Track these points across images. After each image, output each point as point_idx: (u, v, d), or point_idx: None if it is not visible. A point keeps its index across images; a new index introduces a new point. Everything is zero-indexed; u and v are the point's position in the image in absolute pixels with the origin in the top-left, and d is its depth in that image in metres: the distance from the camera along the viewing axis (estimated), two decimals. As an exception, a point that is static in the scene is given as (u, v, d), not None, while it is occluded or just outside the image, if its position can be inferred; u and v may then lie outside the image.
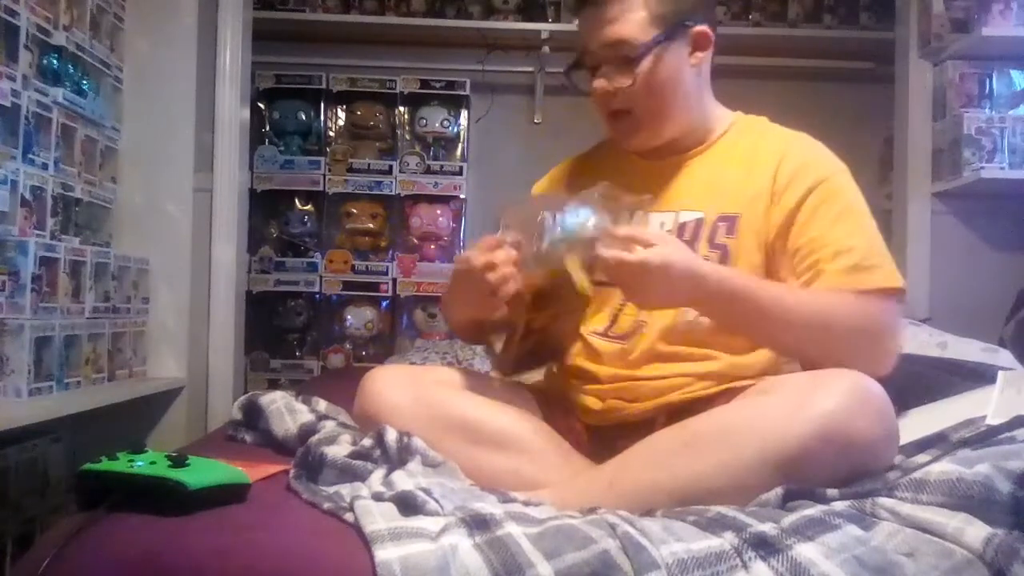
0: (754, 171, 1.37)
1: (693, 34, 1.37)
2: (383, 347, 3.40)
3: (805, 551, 0.88)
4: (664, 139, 1.41)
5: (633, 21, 1.33)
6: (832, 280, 1.27)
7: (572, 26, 3.54)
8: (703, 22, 1.39)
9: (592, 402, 1.39)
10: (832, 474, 1.04)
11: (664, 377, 1.33)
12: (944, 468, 0.99)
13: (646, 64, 1.33)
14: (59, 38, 2.04)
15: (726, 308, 1.25)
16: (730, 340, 1.33)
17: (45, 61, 2.01)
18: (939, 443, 1.17)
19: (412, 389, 1.30)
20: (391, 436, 1.21)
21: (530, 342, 1.36)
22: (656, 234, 1.24)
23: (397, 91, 3.39)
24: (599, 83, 1.36)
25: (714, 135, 1.43)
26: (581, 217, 1.21)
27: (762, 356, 1.33)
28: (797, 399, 1.07)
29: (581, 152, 1.60)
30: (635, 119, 1.38)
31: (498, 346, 1.39)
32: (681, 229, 1.36)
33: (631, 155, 1.47)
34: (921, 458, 1.13)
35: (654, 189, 1.41)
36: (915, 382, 1.58)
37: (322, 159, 3.36)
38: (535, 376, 1.51)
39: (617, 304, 1.38)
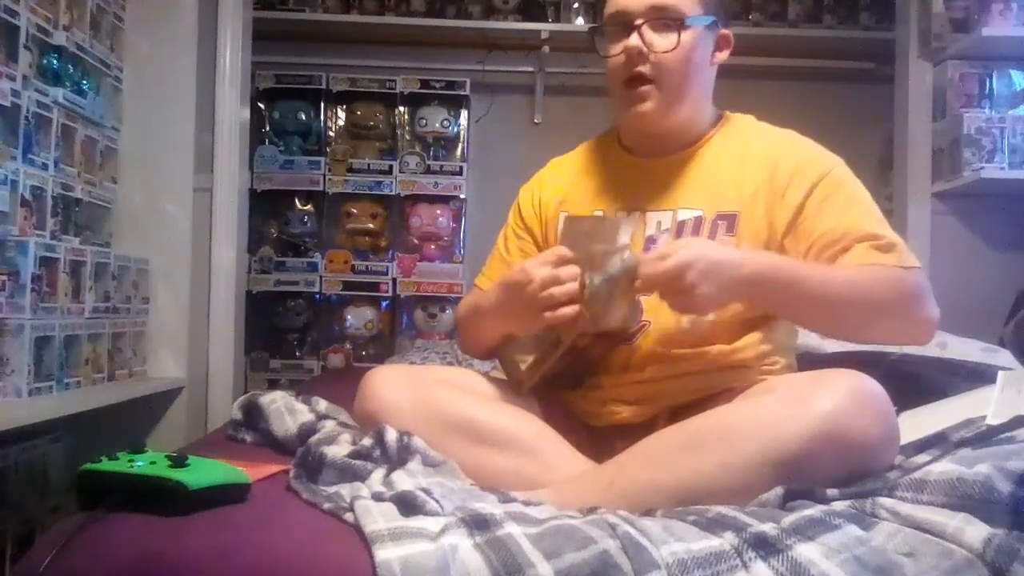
0: (748, 169, 1.38)
1: (720, 34, 1.41)
2: (383, 347, 3.40)
3: (805, 551, 0.88)
4: (668, 124, 1.40)
5: None
6: (861, 257, 1.28)
7: (572, 26, 3.57)
8: (727, 28, 1.43)
9: (593, 404, 1.39)
10: (832, 474, 1.04)
11: (664, 379, 1.33)
12: (944, 468, 0.99)
13: (689, 36, 1.34)
14: (59, 38, 2.04)
15: (773, 288, 1.25)
16: (725, 334, 1.34)
17: (45, 61, 2.01)
18: (939, 443, 1.17)
19: (412, 388, 1.30)
20: (391, 436, 1.21)
21: (566, 361, 1.34)
22: (680, 241, 1.25)
23: (397, 91, 3.39)
24: (634, 40, 1.33)
25: (707, 134, 1.44)
26: (616, 262, 1.24)
27: (753, 339, 1.35)
28: (797, 399, 1.07)
29: (567, 153, 1.59)
30: (655, 89, 1.35)
31: (524, 362, 1.37)
32: (680, 227, 1.37)
33: (625, 153, 1.48)
34: (921, 458, 1.13)
35: (650, 187, 1.42)
36: (915, 382, 1.58)
37: (322, 159, 3.36)
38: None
39: None
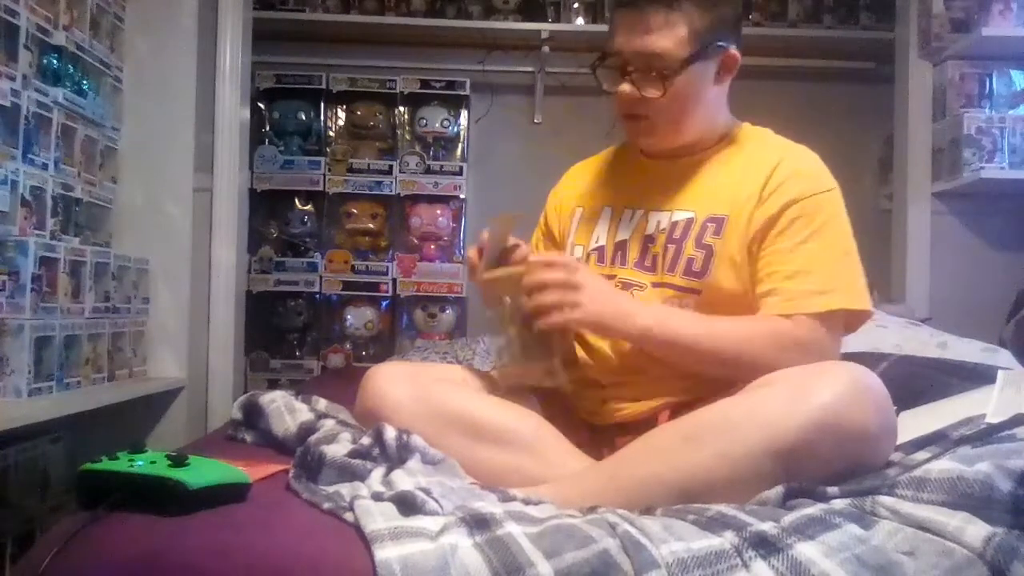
0: (748, 175, 1.38)
1: (723, 56, 1.39)
2: (383, 347, 3.40)
3: (805, 550, 0.88)
4: (675, 145, 1.43)
5: (674, 36, 1.32)
6: (790, 302, 1.29)
7: (572, 26, 3.56)
8: (733, 44, 1.40)
9: (593, 402, 1.39)
10: (830, 465, 1.05)
11: (663, 378, 1.34)
12: (944, 466, 0.99)
13: (680, 79, 1.34)
14: (59, 38, 2.04)
15: (661, 341, 1.29)
16: None
17: (45, 61, 2.01)
18: (939, 441, 1.17)
19: (414, 386, 1.31)
20: (390, 434, 1.21)
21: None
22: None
23: (397, 91, 3.39)
24: (625, 88, 1.36)
25: (720, 142, 1.44)
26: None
27: None
28: (796, 390, 1.08)
29: (591, 157, 1.63)
30: (651, 124, 1.39)
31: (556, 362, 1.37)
32: (672, 227, 1.39)
33: (640, 155, 1.50)
34: (921, 455, 1.13)
35: (655, 188, 1.43)
36: (915, 382, 1.58)
37: (322, 159, 3.36)
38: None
39: None
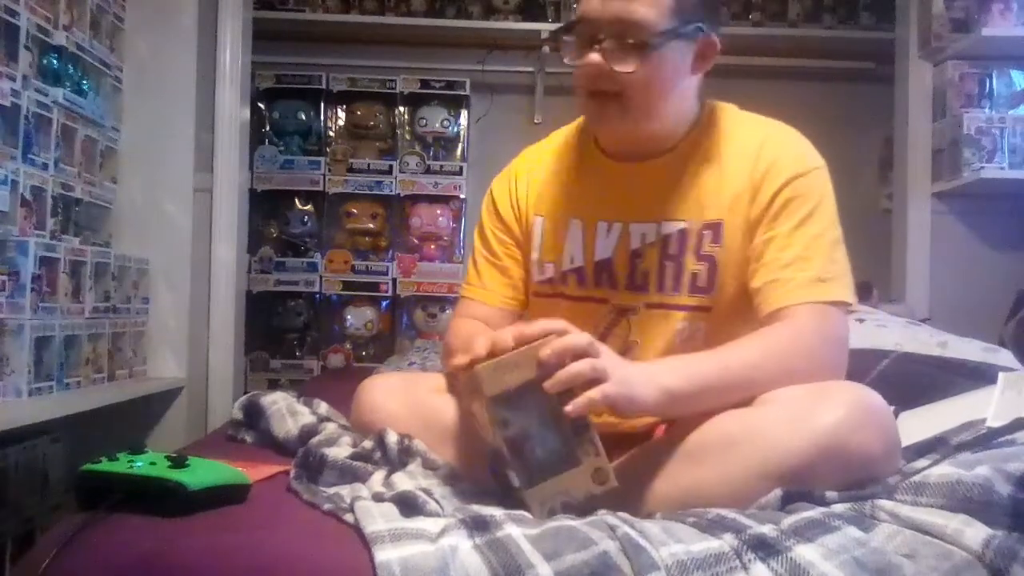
0: (729, 169, 1.29)
1: (703, 41, 1.26)
2: (383, 347, 3.40)
3: (804, 552, 0.88)
4: (641, 136, 1.29)
5: (656, 5, 1.19)
6: (792, 292, 1.20)
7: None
8: (714, 32, 1.27)
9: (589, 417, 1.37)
10: (833, 488, 1.03)
11: None
12: (944, 470, 0.99)
13: (656, 55, 1.20)
14: (59, 38, 2.04)
15: (689, 394, 1.12)
16: None
17: (45, 61, 2.01)
18: (939, 447, 1.17)
19: (408, 397, 1.30)
20: (392, 438, 1.21)
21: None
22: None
23: (397, 91, 3.40)
24: (595, 57, 1.20)
25: (688, 134, 1.32)
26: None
27: None
28: (799, 412, 1.05)
29: (542, 140, 1.47)
30: (622, 107, 1.23)
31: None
32: (665, 241, 1.29)
33: (603, 156, 1.36)
34: (921, 463, 1.13)
35: (631, 196, 1.32)
36: (915, 382, 1.58)
37: (322, 159, 3.37)
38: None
39: (604, 325, 1.31)
